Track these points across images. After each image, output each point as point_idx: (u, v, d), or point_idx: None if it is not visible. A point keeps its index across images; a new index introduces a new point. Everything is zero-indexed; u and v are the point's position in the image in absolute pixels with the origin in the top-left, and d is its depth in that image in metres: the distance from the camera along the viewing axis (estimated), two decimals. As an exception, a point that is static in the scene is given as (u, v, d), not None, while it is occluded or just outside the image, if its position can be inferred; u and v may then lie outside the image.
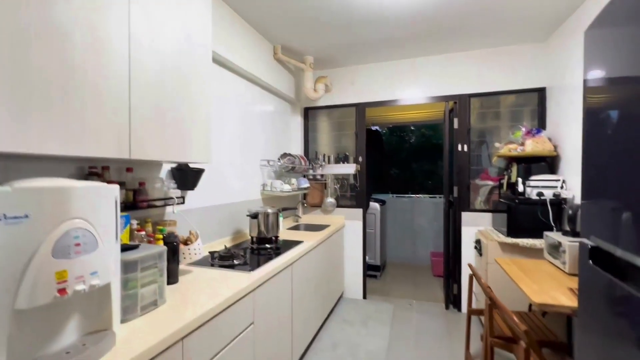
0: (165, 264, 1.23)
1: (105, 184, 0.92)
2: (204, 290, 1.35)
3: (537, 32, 2.59)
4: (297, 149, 3.40)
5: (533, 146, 2.44)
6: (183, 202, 1.69)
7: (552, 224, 2.24)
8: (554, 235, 1.93)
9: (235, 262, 1.76)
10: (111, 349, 0.89)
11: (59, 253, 0.77)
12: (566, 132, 2.40)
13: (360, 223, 3.31)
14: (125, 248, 1.13)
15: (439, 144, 8.26)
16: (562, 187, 2.28)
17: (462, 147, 2.98)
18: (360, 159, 3.29)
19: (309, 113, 3.53)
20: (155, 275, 1.18)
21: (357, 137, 3.32)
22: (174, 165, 1.71)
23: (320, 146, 3.54)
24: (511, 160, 2.71)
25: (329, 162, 3.38)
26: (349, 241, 3.34)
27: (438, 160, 8.29)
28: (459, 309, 3.00)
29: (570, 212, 1.89)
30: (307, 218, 3.43)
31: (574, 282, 1.64)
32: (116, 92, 1.08)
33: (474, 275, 2.13)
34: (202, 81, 1.53)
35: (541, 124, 2.73)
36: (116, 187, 0.96)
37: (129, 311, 1.08)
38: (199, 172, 1.76)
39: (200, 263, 1.74)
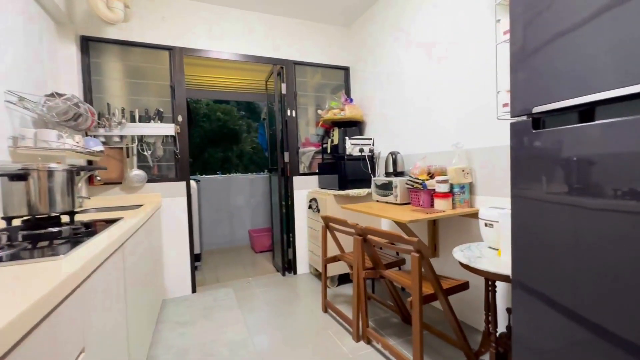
0: None
1: None
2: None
3: (342, 16, 3.04)
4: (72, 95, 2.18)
5: (350, 111, 2.85)
6: None
7: (371, 173, 2.71)
8: (383, 178, 2.33)
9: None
10: None
11: None
12: (369, 103, 2.97)
13: (184, 200, 2.64)
14: None
15: (234, 129, 8.24)
16: (373, 145, 2.80)
17: (291, 112, 3.03)
18: (180, 118, 2.59)
19: (91, 46, 2.38)
20: None
21: (173, 91, 2.59)
22: None
23: (111, 97, 2.47)
24: (331, 126, 3.04)
25: (132, 120, 2.43)
26: (169, 225, 2.57)
27: (233, 146, 8.27)
28: (295, 272, 3.06)
29: (393, 158, 2.35)
30: (98, 201, 2.31)
31: (408, 209, 2.02)
32: None
33: (328, 225, 2.19)
34: None
35: (348, 97, 3.25)
36: None
37: None
38: None
39: None
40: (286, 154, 3.04)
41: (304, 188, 3.07)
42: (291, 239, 3.08)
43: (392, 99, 2.63)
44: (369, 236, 1.75)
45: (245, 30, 2.84)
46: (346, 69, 3.27)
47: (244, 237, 4.33)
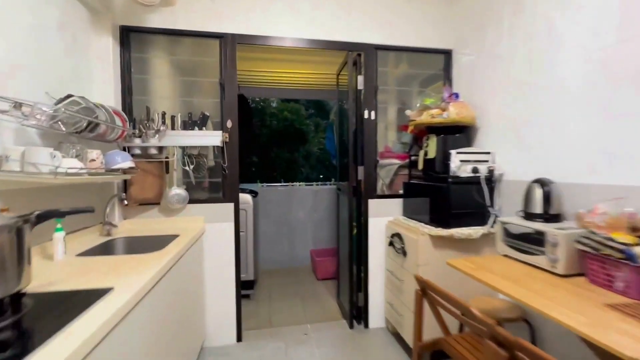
0: None
1: None
2: None
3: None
4: (106, 98, 1.80)
5: (458, 111, 1.97)
6: None
7: (490, 205, 1.81)
8: (522, 223, 1.43)
9: None
10: None
11: None
12: (484, 100, 2.04)
13: (231, 225, 2.11)
14: None
15: (301, 129, 7.83)
16: (493, 162, 1.89)
17: (369, 114, 2.28)
18: (229, 123, 2.06)
19: (132, 38, 1.99)
20: None
21: (223, 90, 2.07)
22: None
23: (156, 100, 2.07)
24: (424, 131, 2.20)
25: (172, 127, 1.98)
26: (212, 256, 2.07)
27: (299, 147, 7.86)
28: (366, 325, 2.32)
29: (543, 191, 1.41)
30: (131, 226, 1.92)
31: (590, 294, 1.10)
32: None
33: (425, 292, 1.40)
34: None
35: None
36: None
37: None
38: None
39: None
40: (360, 169, 2.30)
41: (383, 215, 2.29)
42: (362, 276, 2.35)
43: (530, 93, 1.68)
44: (523, 357, 0.92)
45: (311, 5, 2.17)
46: (447, 53, 2.38)
47: (304, 258, 3.75)
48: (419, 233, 1.83)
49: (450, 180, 1.81)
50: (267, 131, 7.62)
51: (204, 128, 2.00)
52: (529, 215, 1.46)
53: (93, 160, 1.42)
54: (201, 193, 2.18)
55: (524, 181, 1.65)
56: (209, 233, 2.04)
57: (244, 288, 2.81)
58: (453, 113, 1.95)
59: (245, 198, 2.79)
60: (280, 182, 4.23)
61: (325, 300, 2.85)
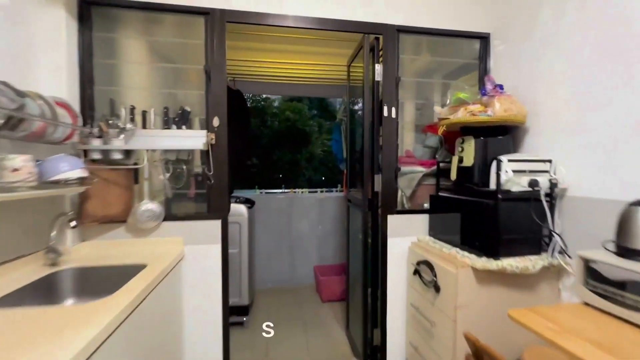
0: None
1: None
2: None
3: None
4: (56, 87, 1.40)
5: (506, 108, 1.55)
6: None
7: (552, 228, 1.39)
8: (624, 263, 1.00)
9: None
10: None
11: None
12: (536, 95, 1.61)
13: (217, 248, 1.70)
14: None
15: (304, 130, 7.43)
16: (554, 173, 1.47)
17: (390, 112, 1.86)
18: (215, 121, 1.65)
19: (95, 13, 1.59)
20: None
21: (209, 79, 1.66)
22: None
23: (126, 91, 1.67)
24: (453, 133, 1.79)
25: (144, 125, 1.57)
26: (193, 288, 1.66)
27: (302, 149, 7.46)
28: (383, 368, 1.91)
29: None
30: (88, 250, 1.51)
31: None
32: None
33: (479, 356, 0.99)
34: None
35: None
36: None
37: None
38: None
39: None
40: (378, 178, 1.89)
41: (405, 234, 1.88)
42: (379, 308, 1.94)
43: (611, 84, 1.26)
44: None
45: (322, -22, 1.77)
46: (484, 38, 1.96)
47: (307, 275, 3.33)
48: (458, 264, 1.42)
49: (500, 196, 1.39)
50: (268, 132, 7.23)
51: (183, 127, 1.60)
52: (627, 252, 1.03)
53: (16, 169, 1.02)
54: (184, 207, 1.78)
55: (602, 199, 1.24)
56: (189, 258, 1.64)
57: (238, 314, 2.42)
58: (500, 110, 1.54)
59: (238, 209, 2.38)
60: (282, 188, 3.81)
61: (331, 330, 2.44)
